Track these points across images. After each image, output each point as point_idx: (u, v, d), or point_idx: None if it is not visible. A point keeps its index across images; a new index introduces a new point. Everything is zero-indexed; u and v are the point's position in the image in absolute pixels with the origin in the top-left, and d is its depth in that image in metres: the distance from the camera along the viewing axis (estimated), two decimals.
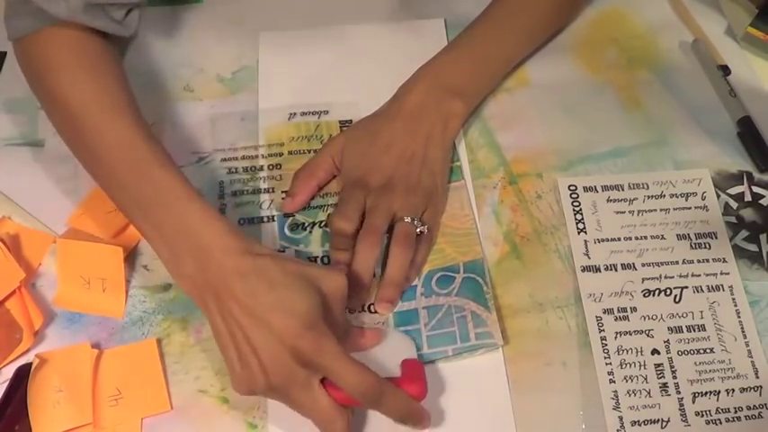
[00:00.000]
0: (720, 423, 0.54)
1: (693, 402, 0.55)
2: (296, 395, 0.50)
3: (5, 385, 0.55)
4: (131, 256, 0.62)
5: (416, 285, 0.60)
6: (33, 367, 0.55)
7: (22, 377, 0.55)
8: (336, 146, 0.64)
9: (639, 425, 0.54)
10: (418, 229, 0.59)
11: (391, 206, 0.60)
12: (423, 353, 0.56)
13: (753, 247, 0.62)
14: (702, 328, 0.58)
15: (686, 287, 0.59)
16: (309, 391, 0.50)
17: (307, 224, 0.63)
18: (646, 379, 0.56)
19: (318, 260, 0.61)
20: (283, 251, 0.61)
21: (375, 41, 0.74)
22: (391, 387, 0.50)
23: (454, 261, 0.61)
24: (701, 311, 0.58)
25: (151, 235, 0.55)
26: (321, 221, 0.63)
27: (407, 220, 0.59)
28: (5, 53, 0.74)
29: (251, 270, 0.50)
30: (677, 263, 0.61)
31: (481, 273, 0.60)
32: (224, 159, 0.67)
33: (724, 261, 0.61)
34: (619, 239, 0.62)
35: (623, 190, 0.64)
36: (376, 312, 0.58)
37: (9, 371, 0.56)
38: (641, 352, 0.57)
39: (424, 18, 0.76)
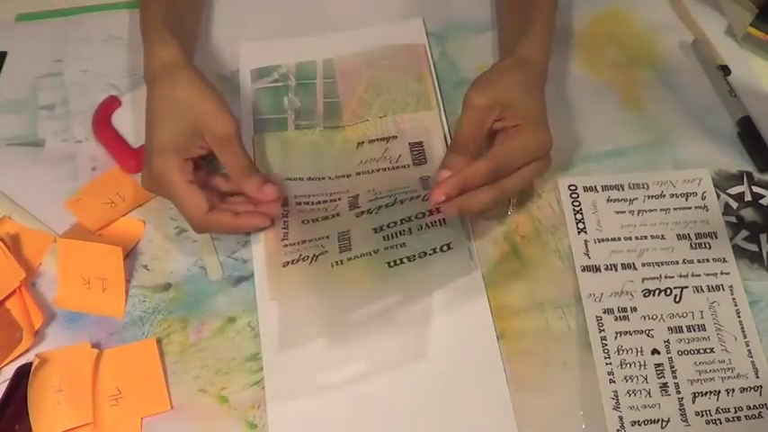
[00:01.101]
0: (720, 423, 0.54)
1: (693, 402, 0.55)
2: (165, 194, 0.59)
3: (5, 385, 0.55)
4: (131, 256, 0.62)
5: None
6: (33, 367, 0.55)
7: (22, 377, 0.55)
8: (483, 99, 0.60)
9: (639, 425, 0.54)
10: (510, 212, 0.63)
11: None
12: None
13: (753, 247, 0.62)
14: (702, 327, 0.58)
15: (686, 287, 0.59)
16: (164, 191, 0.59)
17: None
18: (646, 379, 0.56)
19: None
20: None
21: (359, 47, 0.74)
22: (212, 221, 0.59)
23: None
24: (701, 311, 0.58)
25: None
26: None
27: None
28: (5, 53, 0.74)
29: (157, 83, 0.60)
30: (677, 263, 0.61)
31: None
32: None
33: (724, 261, 0.61)
34: (619, 239, 0.62)
35: (623, 190, 0.64)
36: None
37: (9, 371, 0.56)
38: (641, 352, 0.57)
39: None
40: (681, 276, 0.60)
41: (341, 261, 0.60)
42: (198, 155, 0.59)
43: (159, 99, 0.59)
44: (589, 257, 0.61)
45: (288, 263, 0.61)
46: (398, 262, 0.60)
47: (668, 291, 0.59)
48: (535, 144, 0.59)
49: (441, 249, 0.60)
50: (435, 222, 0.61)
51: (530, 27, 0.65)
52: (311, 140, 0.67)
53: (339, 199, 0.64)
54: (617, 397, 0.55)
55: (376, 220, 0.62)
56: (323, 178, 0.66)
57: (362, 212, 0.63)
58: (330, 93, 0.71)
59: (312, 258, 0.61)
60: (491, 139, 0.60)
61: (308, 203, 0.64)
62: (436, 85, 0.71)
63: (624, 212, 0.63)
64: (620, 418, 0.54)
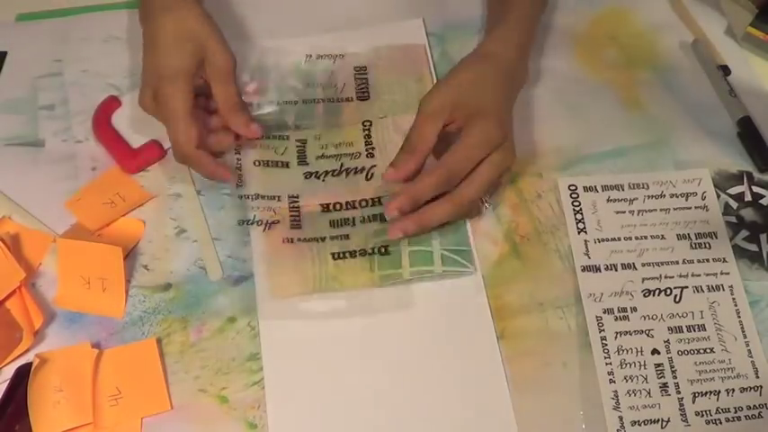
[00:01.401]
0: (720, 423, 0.54)
1: (693, 402, 0.55)
2: (157, 118, 0.62)
3: (5, 385, 0.55)
4: (131, 256, 0.62)
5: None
6: (33, 367, 0.55)
7: (22, 377, 0.55)
8: (435, 99, 0.61)
9: (639, 425, 0.54)
10: (486, 205, 0.63)
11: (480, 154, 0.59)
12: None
13: (753, 247, 0.62)
14: (702, 327, 0.58)
15: (686, 287, 0.59)
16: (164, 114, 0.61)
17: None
18: (646, 379, 0.56)
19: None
20: None
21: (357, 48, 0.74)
22: (197, 157, 0.61)
23: None
24: (701, 311, 0.58)
25: None
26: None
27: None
28: (6, 53, 0.74)
29: (168, 12, 0.62)
30: (677, 263, 0.61)
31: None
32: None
33: (724, 261, 0.61)
34: (619, 239, 0.62)
35: (623, 190, 0.64)
36: None
37: (9, 371, 0.56)
38: (641, 352, 0.57)
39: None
40: (681, 276, 0.60)
41: (291, 239, 0.62)
42: (198, 84, 0.62)
43: (169, 26, 0.61)
44: (589, 257, 0.61)
45: (243, 222, 0.63)
46: (342, 255, 0.61)
47: (668, 291, 0.59)
48: (482, 138, 0.59)
49: (379, 251, 0.61)
50: (376, 217, 0.62)
51: (502, 21, 0.66)
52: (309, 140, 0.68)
53: (287, 137, 0.67)
54: (617, 397, 0.55)
55: (322, 191, 0.64)
56: (271, 102, 0.69)
57: (311, 174, 0.65)
58: (323, 96, 0.70)
59: (266, 225, 0.62)
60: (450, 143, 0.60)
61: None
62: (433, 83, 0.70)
63: (624, 212, 0.63)
64: (620, 418, 0.54)
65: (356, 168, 0.65)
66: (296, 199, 0.64)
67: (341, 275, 0.60)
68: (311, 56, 0.72)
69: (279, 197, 0.64)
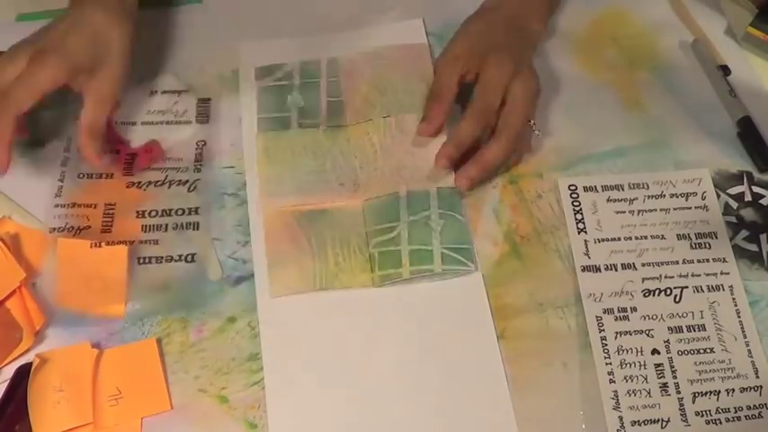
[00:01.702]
0: (720, 423, 0.54)
1: (693, 402, 0.55)
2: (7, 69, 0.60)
3: (5, 385, 0.55)
4: (131, 256, 0.62)
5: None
6: (33, 367, 0.55)
7: (22, 377, 0.55)
8: (453, 50, 0.67)
9: (639, 425, 0.54)
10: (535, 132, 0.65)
11: (503, 80, 0.63)
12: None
13: (753, 247, 0.62)
14: (702, 327, 0.58)
15: (686, 287, 0.59)
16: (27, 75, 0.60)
17: None
18: (646, 379, 0.56)
19: None
20: None
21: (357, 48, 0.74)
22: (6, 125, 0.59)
23: (428, 184, 0.64)
24: (701, 311, 0.58)
25: None
26: None
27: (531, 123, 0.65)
28: None
29: (91, 4, 0.62)
30: (677, 263, 0.61)
31: (457, 207, 0.63)
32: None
33: (724, 261, 0.61)
34: (619, 239, 0.62)
35: (623, 190, 0.64)
36: None
37: (9, 371, 0.56)
38: (641, 352, 0.57)
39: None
40: (681, 276, 0.60)
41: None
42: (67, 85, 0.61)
43: (86, 17, 0.61)
44: (589, 257, 0.61)
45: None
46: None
47: (668, 291, 0.59)
48: (496, 71, 0.63)
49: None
50: (390, 202, 0.63)
51: None
52: (313, 139, 0.67)
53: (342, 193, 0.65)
54: (617, 397, 0.55)
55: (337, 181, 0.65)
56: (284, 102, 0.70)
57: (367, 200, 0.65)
58: (334, 92, 0.70)
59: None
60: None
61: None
62: None
63: (624, 212, 0.63)
64: (620, 418, 0.54)
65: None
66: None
67: (341, 274, 0.60)
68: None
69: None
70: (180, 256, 0.61)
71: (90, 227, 0.62)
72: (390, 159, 0.65)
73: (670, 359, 0.56)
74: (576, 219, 0.63)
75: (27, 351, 0.57)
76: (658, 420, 0.54)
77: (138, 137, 0.68)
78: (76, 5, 0.63)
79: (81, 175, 0.65)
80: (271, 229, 0.62)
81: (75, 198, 0.64)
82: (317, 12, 0.76)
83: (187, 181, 0.65)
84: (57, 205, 0.63)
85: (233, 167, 0.67)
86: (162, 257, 0.61)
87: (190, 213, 0.63)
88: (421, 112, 0.66)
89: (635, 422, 0.54)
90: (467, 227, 0.62)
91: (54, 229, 0.62)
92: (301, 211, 0.63)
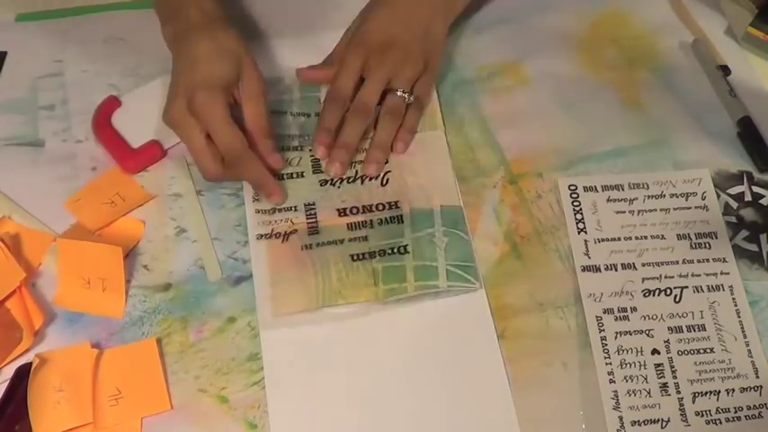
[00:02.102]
0: (720, 423, 0.54)
1: (693, 402, 0.55)
2: (183, 133, 0.61)
3: (5, 385, 0.55)
4: (131, 256, 0.62)
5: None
6: (33, 367, 0.55)
7: (22, 377, 0.55)
8: (351, 25, 0.71)
9: (639, 425, 0.54)
10: (406, 101, 0.66)
11: (388, 72, 0.65)
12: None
13: (753, 247, 0.62)
14: (702, 327, 0.58)
15: (686, 287, 0.59)
16: (192, 133, 0.61)
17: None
18: (646, 379, 0.56)
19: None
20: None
21: None
22: (252, 156, 0.61)
23: (431, 202, 0.63)
24: (701, 311, 0.58)
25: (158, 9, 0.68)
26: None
27: (399, 93, 0.66)
28: (5, 53, 0.74)
29: (204, 29, 0.63)
30: (677, 263, 0.61)
31: (461, 225, 0.62)
32: None
33: (724, 261, 0.61)
34: (619, 239, 0.62)
35: (623, 190, 0.64)
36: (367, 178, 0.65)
37: (9, 371, 0.56)
38: (641, 352, 0.57)
39: None
40: (681, 276, 0.60)
41: (309, 245, 0.61)
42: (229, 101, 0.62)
43: (206, 42, 0.61)
44: (589, 257, 0.61)
45: (261, 236, 0.62)
46: (361, 257, 0.60)
47: (668, 291, 0.59)
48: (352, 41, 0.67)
49: (398, 251, 0.61)
50: (393, 219, 0.62)
51: None
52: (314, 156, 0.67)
53: (301, 147, 0.67)
54: (617, 397, 0.55)
55: (337, 197, 0.64)
56: (284, 112, 0.70)
57: (326, 182, 0.65)
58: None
59: (284, 237, 0.62)
60: None
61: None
62: (440, 105, 0.70)
63: (624, 212, 0.63)
64: (620, 418, 0.54)
65: (367, 176, 0.65)
66: (312, 206, 0.63)
67: (344, 290, 0.59)
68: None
69: (295, 207, 0.63)
70: (392, 248, 0.61)
71: (296, 230, 0.62)
72: (402, 168, 0.65)
73: (670, 359, 0.56)
74: (576, 219, 0.63)
75: (27, 351, 0.57)
76: (658, 420, 0.54)
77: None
78: (178, 41, 0.64)
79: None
80: (274, 248, 0.62)
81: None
82: (317, 12, 0.76)
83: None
84: (258, 211, 0.64)
85: None
86: (375, 252, 0.61)
87: (391, 208, 0.63)
88: (421, 131, 0.68)
89: (635, 422, 0.54)
90: (470, 245, 0.62)
91: (261, 235, 0.62)
92: (303, 228, 0.62)
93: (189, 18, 0.63)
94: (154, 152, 0.67)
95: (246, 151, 0.61)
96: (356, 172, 0.66)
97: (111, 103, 0.70)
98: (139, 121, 0.68)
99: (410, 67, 0.66)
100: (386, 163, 0.66)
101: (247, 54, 0.63)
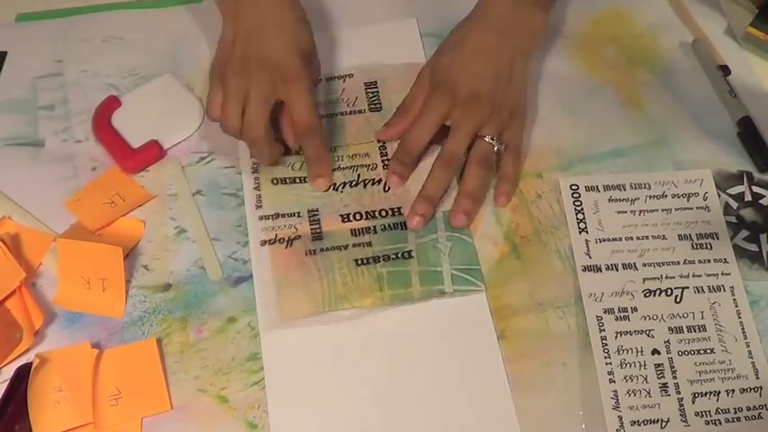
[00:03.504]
0: (720, 423, 0.54)
1: (693, 402, 0.55)
2: (252, 95, 0.60)
3: (5, 385, 0.55)
4: (131, 256, 0.62)
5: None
6: (33, 367, 0.55)
7: (22, 377, 0.55)
8: (427, 67, 0.67)
9: (639, 425, 0.54)
10: (496, 148, 0.63)
11: (476, 124, 0.63)
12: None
13: (753, 247, 0.62)
14: (703, 328, 0.58)
15: (687, 287, 0.59)
16: (260, 102, 0.61)
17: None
18: (646, 379, 0.56)
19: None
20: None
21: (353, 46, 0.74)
22: (320, 135, 0.63)
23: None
24: (702, 312, 0.58)
25: None
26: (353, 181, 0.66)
27: (487, 139, 0.63)
28: (5, 53, 0.74)
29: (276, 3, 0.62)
30: (678, 263, 0.61)
31: (464, 229, 0.62)
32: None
33: (725, 261, 0.61)
34: (620, 239, 0.62)
35: (625, 190, 0.64)
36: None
37: (9, 371, 0.56)
38: (641, 352, 0.57)
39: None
40: (682, 277, 0.60)
41: (313, 251, 0.61)
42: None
43: (285, 11, 0.62)
44: (590, 257, 0.61)
45: (265, 242, 0.62)
46: (365, 262, 0.60)
47: (669, 291, 0.59)
48: (468, 121, 0.63)
49: (402, 256, 0.60)
50: (396, 225, 0.62)
51: None
52: None
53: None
54: (617, 397, 0.55)
55: (339, 203, 0.63)
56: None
57: (329, 187, 0.65)
58: (333, 110, 0.70)
59: (288, 242, 0.62)
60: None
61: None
62: None
63: (626, 212, 0.63)
64: (620, 418, 0.54)
65: (373, 180, 0.65)
66: (316, 212, 0.63)
67: (350, 295, 0.59)
68: (321, 78, 0.71)
69: (298, 213, 0.63)
70: (396, 254, 0.61)
71: (300, 236, 0.62)
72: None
73: (670, 359, 0.56)
74: (577, 218, 0.63)
75: (27, 351, 0.57)
76: (658, 420, 0.54)
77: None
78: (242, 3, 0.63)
79: (275, 181, 0.65)
80: (277, 254, 0.62)
81: (278, 208, 0.64)
82: (317, 11, 0.76)
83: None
84: (261, 217, 0.63)
85: (233, 167, 0.67)
86: (379, 257, 0.61)
87: (394, 214, 0.63)
88: None
89: (634, 422, 0.54)
90: (474, 248, 0.62)
91: (264, 241, 0.62)
92: (307, 233, 0.62)
93: None
94: (154, 152, 0.67)
95: (318, 129, 0.62)
96: (358, 176, 0.65)
97: (111, 103, 0.70)
98: (139, 121, 0.68)
99: (497, 117, 0.63)
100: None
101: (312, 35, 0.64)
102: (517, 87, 0.65)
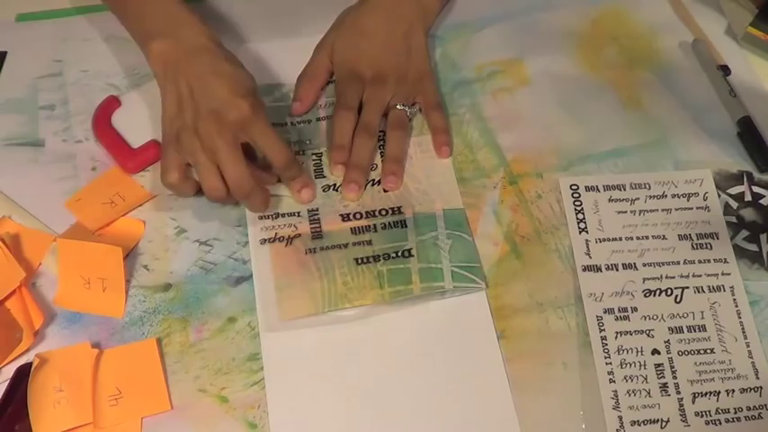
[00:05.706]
0: (720, 423, 0.54)
1: (693, 403, 0.55)
2: (220, 147, 0.58)
3: (5, 385, 0.55)
4: (131, 256, 0.62)
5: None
6: (33, 367, 0.55)
7: (22, 377, 0.55)
8: (328, 45, 0.71)
9: (639, 425, 0.54)
10: (408, 112, 0.68)
11: (384, 97, 0.68)
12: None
13: (753, 247, 0.62)
14: (703, 328, 0.58)
15: (687, 287, 0.59)
16: (233, 149, 0.59)
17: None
18: (646, 379, 0.56)
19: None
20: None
21: None
22: (297, 163, 0.63)
23: (433, 207, 0.64)
24: (702, 312, 0.58)
25: (132, 22, 0.67)
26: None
27: (399, 107, 0.68)
28: (5, 53, 0.74)
29: (209, 48, 0.62)
30: (678, 263, 0.61)
31: (463, 227, 0.63)
32: None
33: (725, 262, 0.61)
34: (620, 239, 0.62)
35: (625, 190, 0.64)
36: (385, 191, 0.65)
37: (9, 371, 0.56)
38: (641, 352, 0.57)
39: None
40: (682, 277, 0.60)
41: (314, 249, 0.61)
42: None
43: (220, 60, 0.62)
44: (590, 257, 0.61)
45: (264, 240, 0.62)
46: (366, 261, 0.60)
47: (669, 291, 0.59)
48: (378, 94, 0.67)
49: (402, 254, 0.60)
50: (396, 223, 0.62)
51: None
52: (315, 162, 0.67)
53: (303, 152, 0.67)
54: (617, 397, 0.55)
55: (341, 203, 0.64)
56: (284, 123, 0.69)
57: (329, 187, 0.65)
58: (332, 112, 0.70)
59: (288, 241, 0.62)
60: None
61: None
62: None
63: (626, 212, 0.63)
64: (620, 418, 0.54)
65: (373, 180, 0.65)
66: (315, 212, 0.63)
67: (350, 293, 0.59)
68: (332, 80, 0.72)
69: (298, 213, 0.63)
70: (396, 252, 0.61)
71: (300, 235, 0.62)
72: (406, 174, 0.65)
73: (670, 359, 0.56)
74: (577, 218, 0.63)
75: (27, 351, 0.57)
76: (658, 420, 0.54)
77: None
78: (200, 51, 0.63)
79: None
80: (277, 252, 0.62)
81: (278, 207, 0.64)
82: (316, 11, 0.76)
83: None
84: (261, 216, 0.64)
85: None
86: (379, 256, 0.61)
87: (394, 213, 0.63)
88: (420, 135, 0.68)
89: (634, 422, 0.54)
90: (474, 246, 0.62)
91: (264, 240, 0.62)
92: (307, 232, 0.62)
93: (193, 34, 0.63)
94: (154, 152, 0.67)
95: (254, 186, 0.60)
96: None
97: (111, 103, 0.70)
98: (139, 121, 0.68)
99: (404, 87, 0.68)
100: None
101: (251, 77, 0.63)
102: (417, 57, 0.70)
